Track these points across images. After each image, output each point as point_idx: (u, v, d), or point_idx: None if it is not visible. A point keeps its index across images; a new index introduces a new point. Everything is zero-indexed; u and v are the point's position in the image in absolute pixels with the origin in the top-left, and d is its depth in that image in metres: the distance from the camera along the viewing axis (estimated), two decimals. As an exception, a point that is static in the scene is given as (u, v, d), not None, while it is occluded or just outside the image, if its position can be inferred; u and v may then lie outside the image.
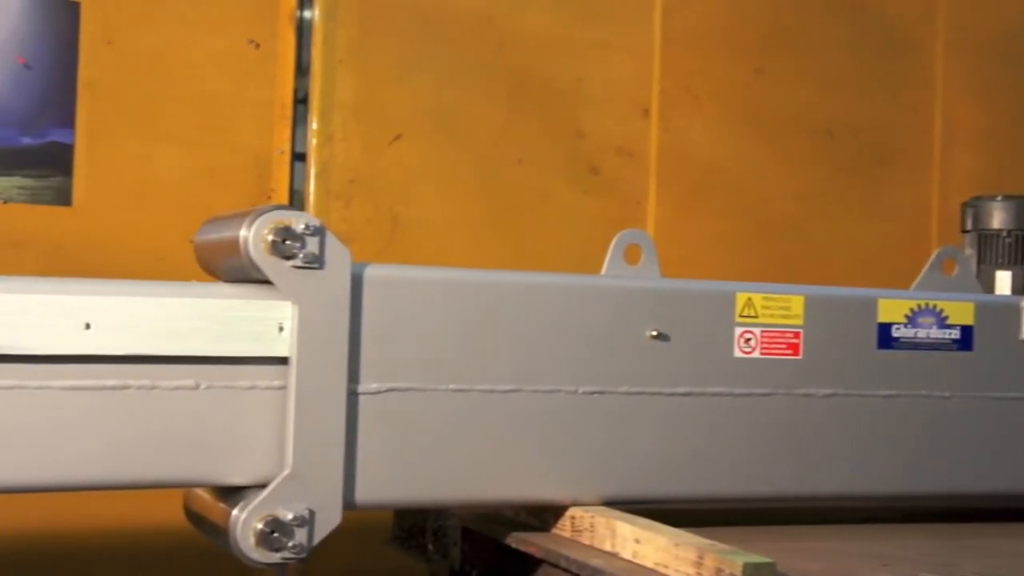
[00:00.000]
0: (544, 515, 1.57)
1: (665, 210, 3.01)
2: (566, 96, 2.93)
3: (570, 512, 1.53)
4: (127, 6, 2.52)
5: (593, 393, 1.53)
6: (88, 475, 1.33)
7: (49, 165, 2.46)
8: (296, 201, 2.70)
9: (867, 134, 3.25)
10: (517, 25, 2.87)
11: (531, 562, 1.52)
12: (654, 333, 1.55)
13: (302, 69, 2.69)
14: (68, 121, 2.47)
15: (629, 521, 1.44)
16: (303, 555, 1.34)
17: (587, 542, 1.49)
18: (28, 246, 2.45)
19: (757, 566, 1.25)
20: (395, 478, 1.45)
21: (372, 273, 1.44)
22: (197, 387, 1.35)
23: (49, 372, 1.30)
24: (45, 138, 2.45)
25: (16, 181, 2.44)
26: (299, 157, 2.70)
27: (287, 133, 2.66)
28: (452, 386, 1.47)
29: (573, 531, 1.52)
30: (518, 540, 1.53)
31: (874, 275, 2.84)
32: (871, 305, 1.66)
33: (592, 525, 1.49)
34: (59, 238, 2.47)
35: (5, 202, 2.43)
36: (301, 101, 2.70)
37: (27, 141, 2.44)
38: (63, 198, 2.48)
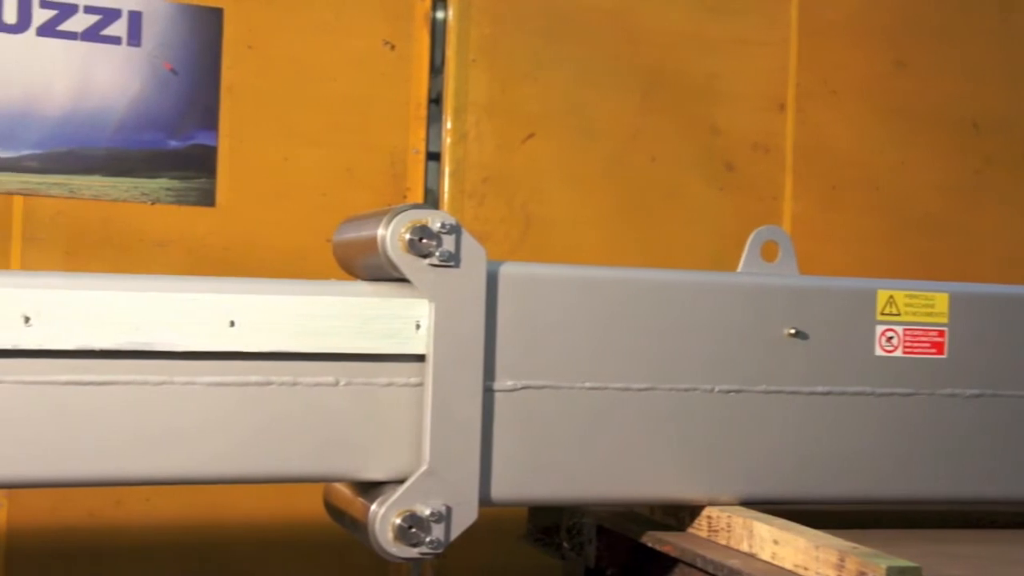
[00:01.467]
0: (680, 514, 1.55)
1: (802, 206, 2.96)
2: (700, 92, 2.90)
3: (706, 512, 1.51)
4: (268, 12, 2.58)
5: (730, 392, 1.51)
6: (233, 469, 1.37)
7: (194, 167, 2.54)
8: (430, 200, 2.73)
9: (1017, 126, 3.14)
10: (650, 21, 2.85)
11: (667, 561, 1.50)
12: (792, 331, 1.52)
13: (435, 69, 2.72)
14: (212, 124, 2.54)
15: (767, 522, 1.42)
16: (440, 550, 1.35)
17: (724, 542, 1.47)
18: (174, 245, 2.53)
19: (902, 570, 1.22)
20: (530, 475, 1.45)
21: (507, 271, 1.45)
22: (337, 383, 1.38)
23: (196, 368, 1.33)
24: (190, 141, 2.53)
25: (163, 183, 2.52)
26: (433, 156, 2.73)
27: (422, 133, 2.69)
28: (587, 384, 1.47)
29: (709, 531, 1.50)
30: (654, 539, 1.52)
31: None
32: (1020, 303, 1.61)
33: (729, 525, 1.47)
34: (203, 237, 2.54)
35: (153, 203, 2.51)
36: (434, 101, 2.73)
37: (173, 144, 2.52)
38: (207, 199, 2.55)
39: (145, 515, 2.49)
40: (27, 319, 1.27)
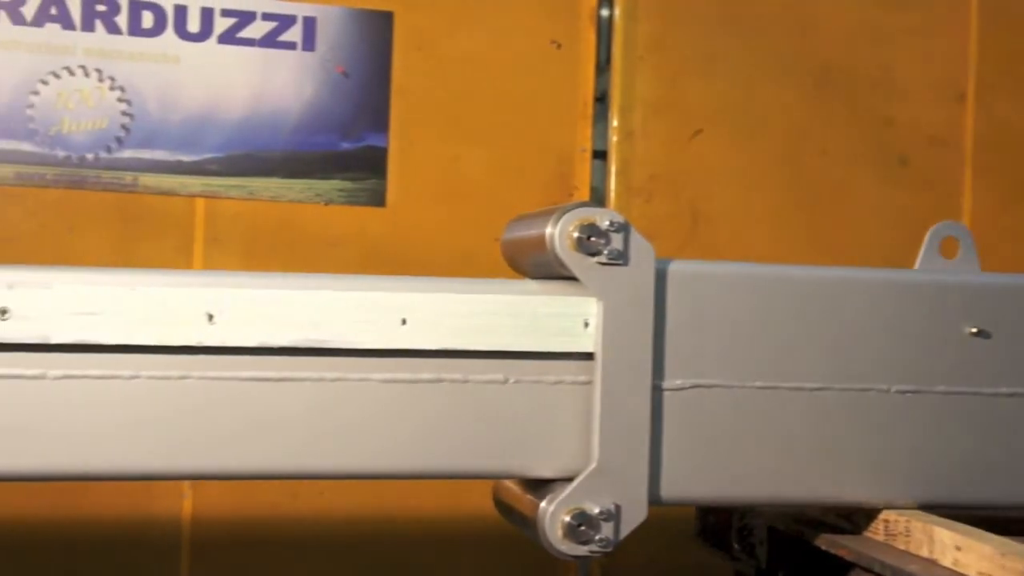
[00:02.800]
0: (854, 517, 1.51)
1: (982, 202, 2.85)
2: (873, 84, 2.82)
3: (883, 515, 1.47)
4: (436, 14, 2.62)
5: (907, 392, 1.46)
6: (404, 464, 1.39)
7: (365, 168, 2.59)
8: (596, 198, 2.73)
9: None
10: (821, 13, 2.79)
11: (841, 565, 1.47)
12: (974, 330, 1.47)
13: (600, 67, 2.72)
14: (382, 126, 2.59)
15: (948, 527, 1.37)
16: (609, 549, 1.35)
17: (902, 547, 1.43)
18: (346, 245, 2.59)
19: (1093, 581, 1.17)
20: (700, 474, 1.44)
21: (676, 269, 1.43)
22: (506, 381, 1.39)
23: (369, 365, 1.36)
24: (362, 142, 2.59)
25: (335, 184, 2.58)
26: (598, 155, 2.73)
27: (588, 131, 2.70)
28: (758, 383, 1.44)
29: (886, 535, 1.46)
30: (828, 542, 1.49)
31: None
32: None
33: (907, 529, 1.43)
34: (374, 237, 2.60)
35: (327, 204, 2.58)
36: (599, 99, 2.73)
37: (345, 146, 2.58)
38: (378, 199, 2.60)
39: (319, 508, 2.56)
40: (211, 317, 1.31)
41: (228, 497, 2.53)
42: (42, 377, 1.26)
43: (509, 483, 1.51)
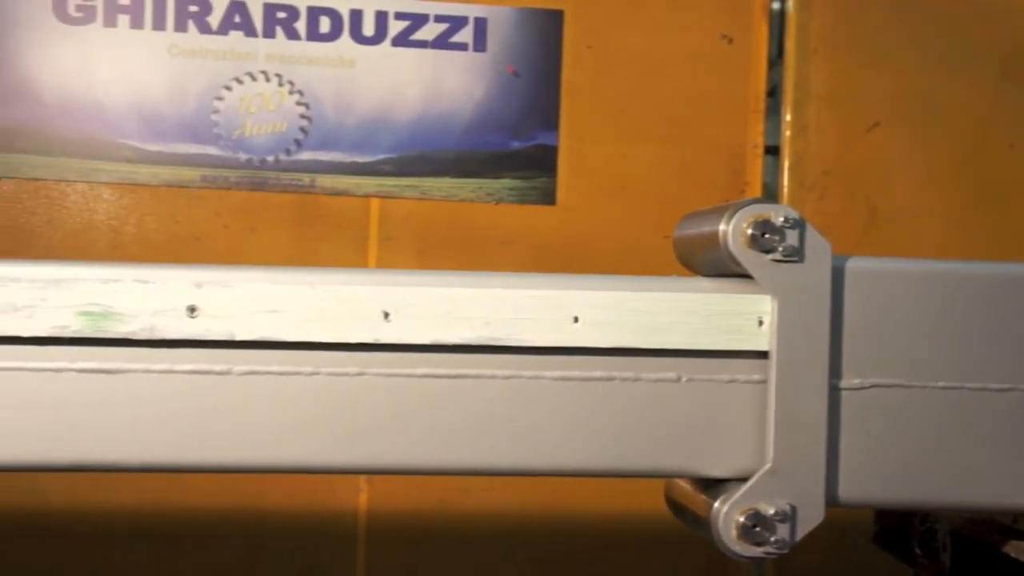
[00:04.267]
0: (1045, 524, 1.45)
1: None
2: (1064, 72, 2.71)
3: (1075, 523, 1.41)
4: (606, 11, 2.62)
5: (1102, 394, 1.39)
6: (576, 462, 1.39)
7: (535, 167, 2.61)
8: (768, 194, 2.69)
9: None
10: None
11: (1030, 574, 1.41)
12: None
13: (771, 61, 2.68)
14: (552, 124, 2.60)
15: None
16: (785, 550, 1.32)
17: (1096, 556, 1.37)
18: (516, 243, 2.61)
19: None
20: (878, 476, 1.40)
21: (853, 266, 1.40)
22: (679, 379, 1.37)
23: (541, 363, 1.37)
24: (532, 141, 2.60)
25: (506, 183, 2.60)
26: (770, 150, 2.69)
27: (760, 126, 2.65)
28: (940, 383, 1.40)
29: (1079, 544, 1.40)
30: (1017, 549, 1.43)
31: None
32: None
33: (1102, 538, 1.36)
34: (543, 235, 2.61)
35: (497, 203, 2.60)
36: (770, 93, 2.69)
37: (516, 145, 2.60)
38: (547, 197, 2.61)
39: (489, 504, 2.58)
40: (386, 315, 1.34)
41: (402, 491, 2.57)
42: (228, 373, 1.30)
43: (681, 482, 1.50)
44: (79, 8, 2.55)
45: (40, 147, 2.55)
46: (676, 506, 1.53)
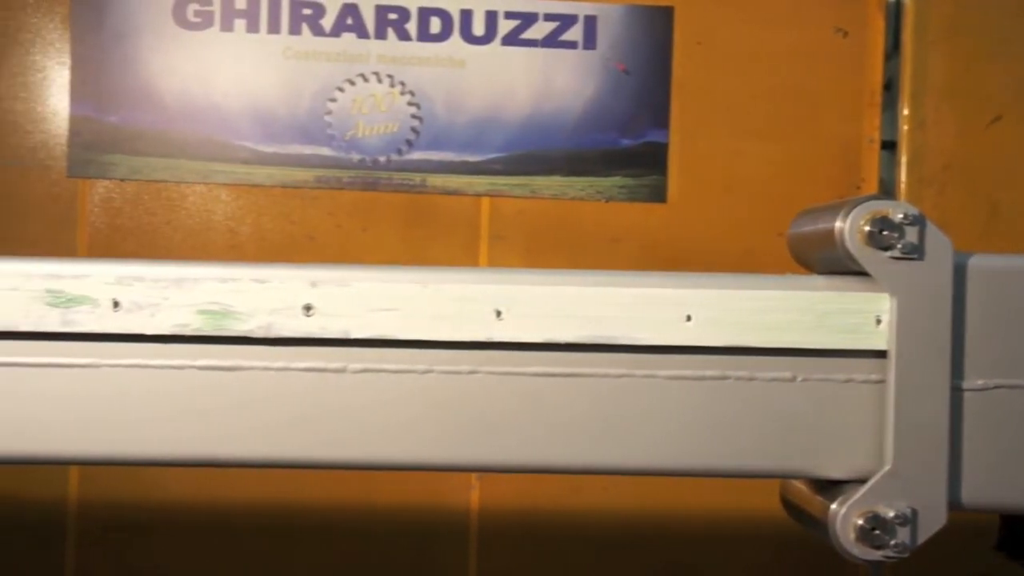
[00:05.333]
0: None
1: None
2: None
3: None
4: (716, 7, 2.59)
5: None
6: (690, 461, 1.38)
7: (645, 164, 2.59)
8: (885, 190, 2.64)
9: None
10: None
11: None
12: None
13: (887, 54, 2.63)
14: (663, 121, 2.59)
15: None
16: (905, 554, 1.30)
17: None
18: (626, 241, 2.60)
19: None
20: (1002, 480, 1.36)
21: (976, 263, 1.36)
22: (794, 379, 1.36)
23: (654, 362, 1.36)
24: (642, 139, 2.59)
25: (616, 181, 2.59)
26: (887, 145, 2.64)
27: (876, 121, 2.61)
28: (1068, 384, 1.36)
29: None
30: None
31: None
32: None
33: None
34: (653, 233, 2.60)
35: (607, 201, 2.59)
36: (886, 87, 2.63)
37: (626, 143, 2.59)
38: (658, 195, 2.60)
39: (602, 504, 2.58)
40: (499, 313, 1.34)
41: (513, 490, 2.58)
42: (343, 371, 1.32)
43: (797, 483, 1.48)
44: (197, 14, 2.61)
45: (161, 150, 2.62)
46: (792, 507, 1.51)
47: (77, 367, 1.25)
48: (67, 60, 2.60)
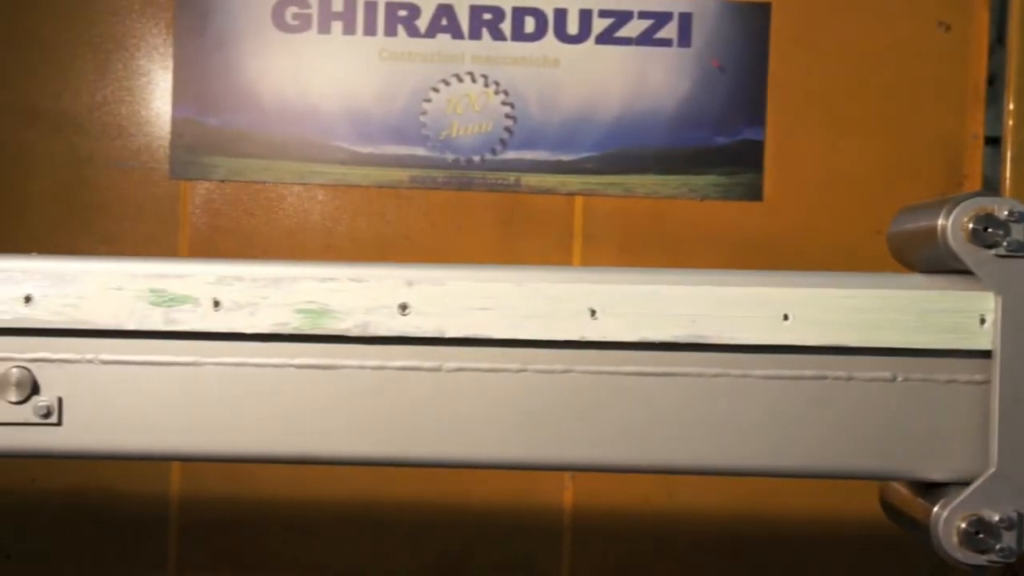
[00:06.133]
0: None
1: None
2: None
3: None
4: (815, 2, 2.56)
5: None
6: (787, 462, 1.36)
7: (740, 162, 2.57)
8: (989, 187, 2.58)
9: None
10: None
11: None
12: None
13: (991, 47, 2.57)
14: (758, 119, 2.56)
15: None
16: (1011, 559, 1.27)
17: None
18: (720, 240, 2.57)
19: None
20: (1112, 484, 1.32)
21: (1085, 261, 1.33)
22: (894, 379, 1.33)
23: (750, 361, 1.34)
24: (737, 137, 2.57)
25: (711, 179, 2.57)
26: (990, 141, 2.58)
27: (980, 116, 2.55)
28: None
29: None
30: None
31: None
32: None
33: None
34: (749, 231, 2.57)
35: (701, 199, 2.57)
36: (990, 82, 2.58)
37: (720, 140, 2.57)
38: (753, 193, 2.57)
39: (696, 504, 2.56)
40: (593, 312, 1.34)
41: (607, 489, 2.58)
42: (438, 369, 1.33)
43: (897, 485, 1.45)
44: (296, 16, 2.65)
45: (260, 151, 2.67)
46: (892, 510, 1.48)
47: (179, 365, 1.27)
48: (170, 64, 2.65)
